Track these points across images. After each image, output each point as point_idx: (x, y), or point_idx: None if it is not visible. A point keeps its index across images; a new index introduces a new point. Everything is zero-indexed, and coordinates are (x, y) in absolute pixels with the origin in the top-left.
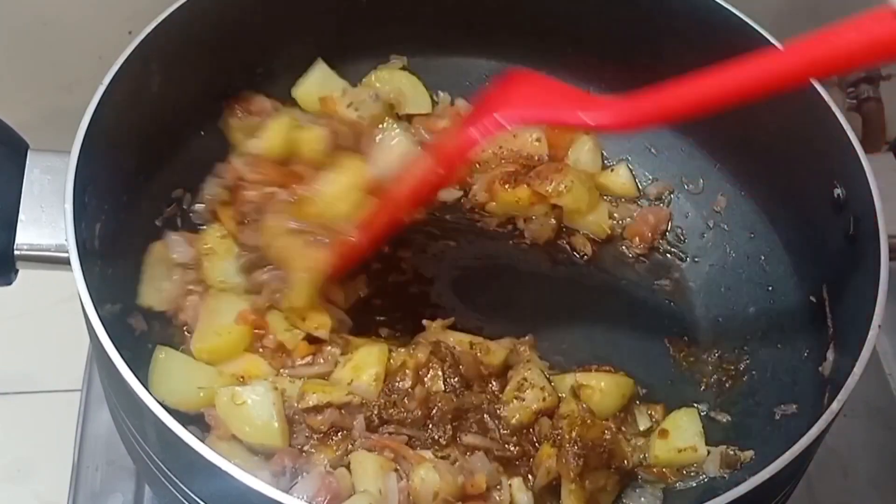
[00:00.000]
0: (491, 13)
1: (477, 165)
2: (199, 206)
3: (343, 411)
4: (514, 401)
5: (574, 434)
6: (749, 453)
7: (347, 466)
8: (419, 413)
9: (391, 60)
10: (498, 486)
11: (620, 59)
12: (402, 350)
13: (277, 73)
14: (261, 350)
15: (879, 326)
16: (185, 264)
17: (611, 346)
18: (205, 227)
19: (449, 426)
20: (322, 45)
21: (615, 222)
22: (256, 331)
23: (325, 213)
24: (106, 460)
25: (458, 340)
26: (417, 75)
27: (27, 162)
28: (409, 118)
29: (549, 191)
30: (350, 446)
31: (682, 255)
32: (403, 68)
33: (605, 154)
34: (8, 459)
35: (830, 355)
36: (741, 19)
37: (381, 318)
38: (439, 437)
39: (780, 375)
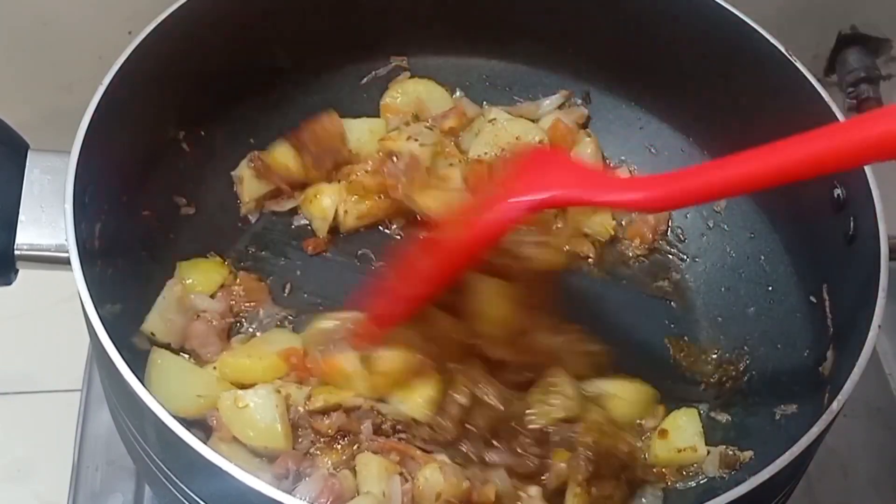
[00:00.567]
0: (491, 13)
1: None
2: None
3: (351, 415)
4: (538, 404)
5: (590, 439)
6: (749, 453)
7: (352, 469)
8: (455, 432)
9: (391, 62)
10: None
11: (621, 60)
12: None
13: (278, 72)
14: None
15: (879, 326)
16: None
17: (611, 346)
18: None
19: (481, 443)
20: (322, 45)
21: (616, 223)
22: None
23: None
24: (106, 460)
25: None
26: (426, 77)
27: (27, 162)
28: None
29: None
30: (355, 449)
31: (682, 255)
32: (410, 75)
33: (605, 154)
34: (8, 459)
35: (830, 355)
36: (741, 19)
37: None
38: (472, 452)
39: (780, 375)
